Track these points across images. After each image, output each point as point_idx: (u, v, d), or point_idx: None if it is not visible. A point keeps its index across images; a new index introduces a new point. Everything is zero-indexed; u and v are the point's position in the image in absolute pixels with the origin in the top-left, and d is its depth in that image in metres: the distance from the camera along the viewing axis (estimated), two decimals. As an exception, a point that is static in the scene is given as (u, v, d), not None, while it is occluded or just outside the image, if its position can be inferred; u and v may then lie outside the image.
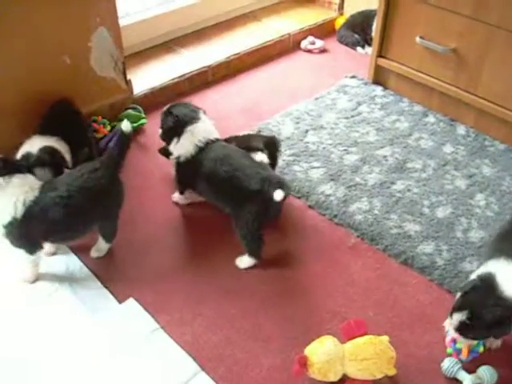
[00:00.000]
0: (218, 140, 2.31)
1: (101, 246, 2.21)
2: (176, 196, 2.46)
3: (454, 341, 1.85)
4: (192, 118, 2.29)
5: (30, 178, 2.01)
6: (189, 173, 2.28)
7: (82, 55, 2.67)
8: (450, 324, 1.81)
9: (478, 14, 2.59)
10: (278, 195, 2.03)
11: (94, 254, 2.22)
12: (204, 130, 2.29)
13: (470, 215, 2.38)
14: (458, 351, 1.84)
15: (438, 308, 2.05)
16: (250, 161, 2.23)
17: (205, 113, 2.36)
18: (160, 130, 2.37)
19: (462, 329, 1.76)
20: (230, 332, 1.97)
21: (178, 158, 2.29)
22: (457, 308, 1.77)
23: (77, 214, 2.01)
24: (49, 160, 2.22)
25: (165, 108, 2.36)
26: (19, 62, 2.45)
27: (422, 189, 2.50)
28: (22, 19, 2.38)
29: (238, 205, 2.14)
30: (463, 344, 1.82)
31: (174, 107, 2.33)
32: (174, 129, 2.28)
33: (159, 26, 3.39)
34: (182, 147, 2.27)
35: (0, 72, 2.41)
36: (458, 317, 1.75)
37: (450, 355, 1.86)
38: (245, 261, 2.19)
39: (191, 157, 2.25)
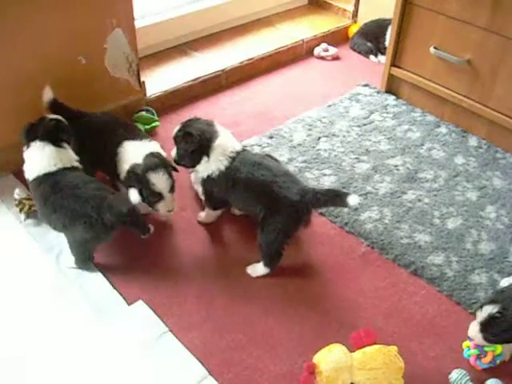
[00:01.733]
0: (245, 148, 2.30)
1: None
2: (203, 215, 2.39)
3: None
4: (213, 132, 2.21)
5: None
6: (223, 186, 2.21)
7: (97, 56, 2.68)
8: (475, 322, 1.81)
9: (494, 26, 2.59)
10: (354, 200, 1.97)
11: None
12: (230, 140, 2.25)
13: (481, 227, 2.38)
14: (483, 354, 1.85)
15: (447, 320, 2.05)
16: (284, 169, 2.23)
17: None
18: (176, 153, 2.27)
19: (488, 324, 1.76)
20: (238, 337, 1.97)
21: (209, 175, 2.21)
22: (489, 301, 1.78)
23: None
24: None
25: (178, 130, 2.26)
26: (36, 61, 2.47)
27: (432, 199, 2.50)
28: (39, 19, 2.40)
29: (272, 212, 2.09)
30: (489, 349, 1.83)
31: (189, 127, 2.22)
32: (199, 149, 2.19)
33: (174, 28, 3.40)
34: (215, 164, 2.19)
35: (17, 71, 2.43)
36: (489, 309, 1.75)
37: (469, 357, 1.88)
38: (258, 270, 2.18)
39: (225, 169, 2.18)
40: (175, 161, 2.27)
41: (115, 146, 2.25)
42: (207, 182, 2.24)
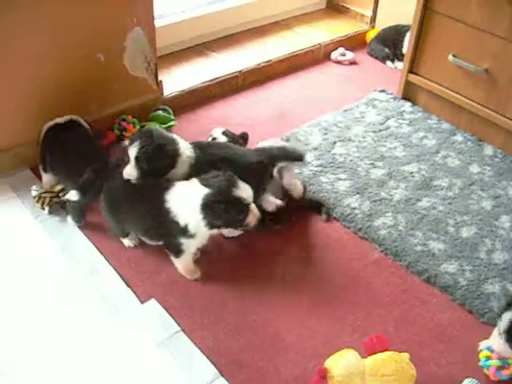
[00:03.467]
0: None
1: None
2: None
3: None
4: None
5: None
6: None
7: (116, 54, 2.70)
8: (496, 334, 1.80)
9: (513, 36, 2.59)
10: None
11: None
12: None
13: (495, 236, 2.38)
14: (505, 365, 1.84)
15: (459, 328, 2.04)
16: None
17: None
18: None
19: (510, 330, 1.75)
20: (250, 339, 1.97)
21: None
22: (505, 308, 1.77)
23: None
24: None
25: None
26: (56, 58, 2.49)
27: (447, 207, 2.50)
28: (61, 16, 2.42)
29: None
30: None
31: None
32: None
33: (192, 29, 3.42)
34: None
35: (36, 68, 2.45)
36: (509, 316, 1.75)
37: (488, 367, 1.87)
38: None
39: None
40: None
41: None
42: None
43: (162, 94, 2.99)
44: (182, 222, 2.01)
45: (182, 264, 2.15)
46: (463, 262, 2.26)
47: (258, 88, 3.31)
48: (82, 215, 2.33)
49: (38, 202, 2.37)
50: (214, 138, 2.55)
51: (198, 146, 2.24)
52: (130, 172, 2.10)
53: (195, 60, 3.35)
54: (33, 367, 1.86)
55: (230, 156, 2.24)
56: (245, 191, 2.00)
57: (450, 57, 2.85)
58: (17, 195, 2.47)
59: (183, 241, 2.05)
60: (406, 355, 1.80)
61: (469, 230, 2.40)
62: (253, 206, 2.03)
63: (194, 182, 2.03)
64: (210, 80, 3.17)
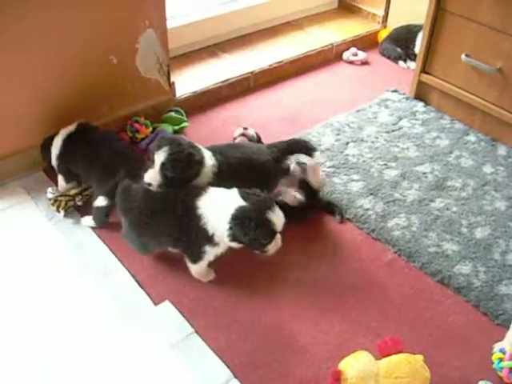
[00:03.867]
0: None
1: None
2: None
3: None
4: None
5: None
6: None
7: (128, 56, 2.71)
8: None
9: (527, 36, 2.58)
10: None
11: None
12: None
13: (509, 237, 2.36)
14: None
15: (473, 330, 2.03)
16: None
17: None
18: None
19: None
20: (264, 340, 1.97)
21: None
22: None
23: None
24: None
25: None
26: (68, 60, 2.50)
27: (460, 208, 2.49)
28: (74, 20, 2.43)
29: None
30: None
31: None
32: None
33: (204, 30, 3.43)
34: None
35: (48, 70, 2.47)
36: None
37: (501, 369, 1.86)
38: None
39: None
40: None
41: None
42: None
43: (175, 95, 3.00)
44: (210, 230, 1.99)
45: (198, 269, 2.15)
46: (477, 263, 2.25)
47: (269, 89, 3.31)
48: (106, 218, 2.33)
49: (53, 205, 2.38)
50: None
51: (217, 152, 2.21)
52: (152, 177, 2.04)
53: (207, 61, 3.36)
54: (45, 368, 1.87)
55: (247, 156, 2.26)
56: (278, 218, 1.98)
57: (463, 56, 2.84)
58: (30, 197, 2.48)
59: (207, 249, 2.04)
60: (420, 357, 1.79)
61: (483, 231, 2.39)
62: (279, 236, 2.01)
63: (234, 192, 2.01)
64: (222, 81, 3.18)
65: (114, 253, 2.26)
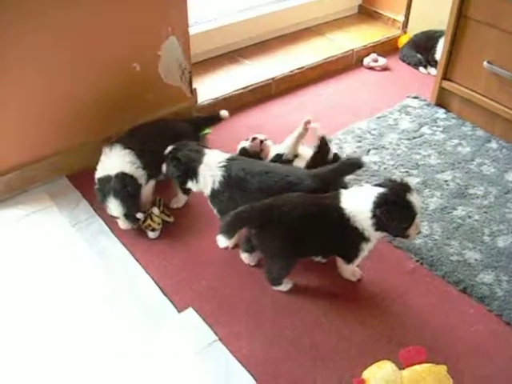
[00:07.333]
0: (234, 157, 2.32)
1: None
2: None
3: None
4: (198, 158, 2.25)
5: None
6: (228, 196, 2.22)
7: (151, 63, 2.73)
8: None
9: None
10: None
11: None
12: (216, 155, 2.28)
13: (531, 247, 2.36)
14: None
15: (496, 340, 2.03)
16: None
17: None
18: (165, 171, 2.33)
19: None
20: (287, 348, 1.98)
21: (211, 190, 2.24)
22: None
23: None
24: None
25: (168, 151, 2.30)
26: (93, 68, 2.53)
27: (483, 216, 2.48)
28: (98, 28, 2.46)
29: None
30: None
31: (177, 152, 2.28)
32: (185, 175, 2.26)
33: (224, 36, 3.44)
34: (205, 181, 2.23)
35: (73, 77, 2.49)
36: None
37: None
38: None
39: (223, 178, 2.20)
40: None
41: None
42: (212, 198, 2.27)
43: (196, 101, 3.01)
44: (359, 227, 2.02)
45: (351, 268, 2.20)
46: (500, 272, 2.24)
47: (291, 95, 3.32)
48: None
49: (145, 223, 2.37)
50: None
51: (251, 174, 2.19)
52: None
53: (228, 67, 3.37)
54: (69, 373, 1.90)
55: (288, 182, 2.16)
56: (417, 200, 2.00)
57: (485, 63, 2.83)
58: (54, 203, 2.50)
59: (363, 246, 2.08)
60: (443, 367, 1.78)
61: (505, 240, 2.38)
62: (419, 219, 2.02)
63: (366, 186, 2.08)
64: (243, 88, 3.19)
65: (137, 260, 2.28)
